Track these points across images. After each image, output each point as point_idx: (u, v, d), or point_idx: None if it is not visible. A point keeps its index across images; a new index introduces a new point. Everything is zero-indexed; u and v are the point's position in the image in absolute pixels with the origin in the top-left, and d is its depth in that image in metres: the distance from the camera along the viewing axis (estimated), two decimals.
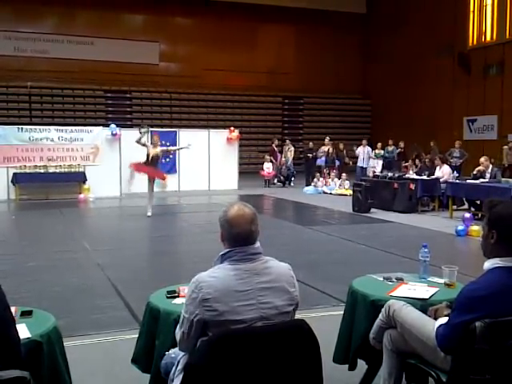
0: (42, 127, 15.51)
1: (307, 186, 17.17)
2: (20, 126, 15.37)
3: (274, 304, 2.27)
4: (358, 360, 3.29)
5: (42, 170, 14.69)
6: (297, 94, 26.81)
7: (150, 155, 11.21)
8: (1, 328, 2.08)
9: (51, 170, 14.79)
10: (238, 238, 2.30)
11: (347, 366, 3.29)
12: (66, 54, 22.98)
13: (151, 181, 11.50)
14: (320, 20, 26.16)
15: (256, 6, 24.83)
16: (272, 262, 2.37)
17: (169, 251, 8.24)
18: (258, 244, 2.34)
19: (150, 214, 11.38)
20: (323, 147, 18.28)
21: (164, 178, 12.04)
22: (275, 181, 18.80)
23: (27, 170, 14.58)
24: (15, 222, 11.60)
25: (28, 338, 2.44)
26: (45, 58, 22.86)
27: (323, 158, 18.00)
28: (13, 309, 2.32)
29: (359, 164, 18.14)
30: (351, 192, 12.84)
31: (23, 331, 2.45)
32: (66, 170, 14.99)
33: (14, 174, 14.41)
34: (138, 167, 11.43)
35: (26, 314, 2.77)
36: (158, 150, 11.41)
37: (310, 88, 26.22)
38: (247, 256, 2.30)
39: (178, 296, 3.08)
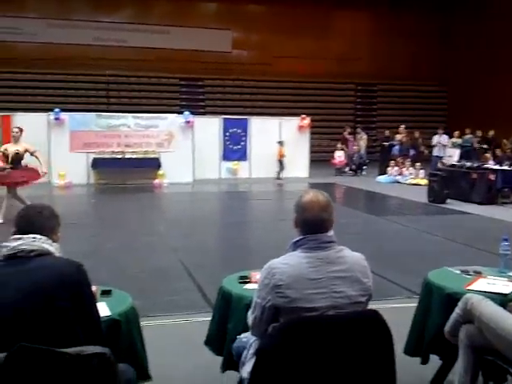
0: (119, 114, 16.06)
1: (381, 175, 16.83)
2: (99, 113, 15.98)
3: (346, 293, 2.25)
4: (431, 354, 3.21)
5: (119, 156, 15.23)
6: (370, 81, 26.22)
7: (10, 155, 8.90)
8: (84, 305, 2.18)
9: (128, 155, 15.30)
10: (310, 224, 2.28)
11: (419, 358, 3.22)
12: (143, 43, 23.58)
13: (12, 188, 9.04)
14: (395, 4, 25.37)
15: None
16: (345, 252, 2.35)
17: (240, 237, 8.34)
18: (331, 232, 2.32)
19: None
20: (397, 135, 17.84)
21: (37, 178, 9.30)
22: (347, 169, 18.56)
23: (105, 156, 15.15)
24: (94, 206, 12.13)
25: (108, 316, 2.55)
26: (122, 46, 23.57)
27: (397, 147, 17.57)
28: (93, 288, 2.43)
29: (435, 153, 17.55)
30: (426, 182, 12.46)
31: (103, 309, 2.56)
32: (142, 156, 15.46)
33: (94, 159, 15.03)
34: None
35: (105, 293, 2.89)
36: (20, 147, 8.99)
37: (385, 74, 25.55)
38: (320, 244, 2.28)
39: (249, 281, 3.12)
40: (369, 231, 8.67)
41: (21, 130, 9.17)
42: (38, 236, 2.21)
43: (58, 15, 22.80)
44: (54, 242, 2.28)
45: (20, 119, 14.91)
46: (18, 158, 8.92)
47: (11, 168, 8.87)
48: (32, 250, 2.17)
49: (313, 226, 2.29)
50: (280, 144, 16.52)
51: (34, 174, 9.19)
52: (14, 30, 22.33)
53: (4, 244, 2.19)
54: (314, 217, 2.29)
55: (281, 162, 16.52)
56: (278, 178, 16.34)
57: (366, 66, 25.59)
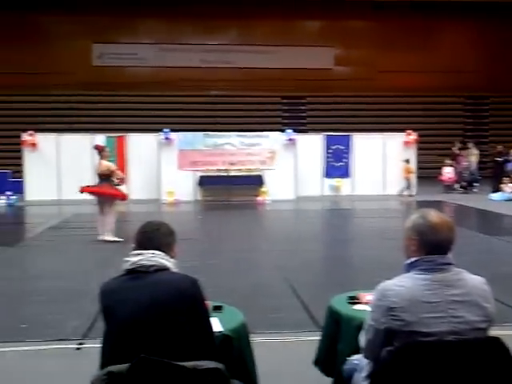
0: (224, 133, 16.53)
1: (494, 192, 15.91)
2: (205, 133, 16.54)
3: (466, 319, 2.13)
4: None
5: (224, 174, 15.65)
6: (482, 94, 25.01)
7: (97, 172, 9.27)
8: (199, 319, 2.24)
9: (232, 173, 15.68)
10: (439, 246, 2.21)
11: None
12: (246, 64, 24.22)
13: (104, 201, 9.21)
14: (506, 13, 24.06)
15: (433, 3, 23.69)
16: (465, 275, 2.24)
17: (344, 256, 8.21)
18: (450, 254, 2.22)
19: (105, 237, 9.05)
20: None
21: (124, 198, 9.57)
22: (456, 186, 17.75)
23: (211, 174, 15.64)
24: (201, 222, 12.53)
25: (220, 332, 2.59)
26: (227, 67, 24.36)
27: None
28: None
29: None
30: None
31: (216, 325, 2.61)
32: (246, 173, 15.77)
33: (201, 176, 15.56)
34: (88, 189, 9.41)
35: (217, 308, 2.94)
36: (105, 165, 9.18)
37: (498, 86, 24.24)
38: (437, 266, 2.19)
39: (359, 302, 3.05)
40: (483, 252, 8.17)
41: (103, 148, 9.61)
42: (157, 252, 2.30)
43: (168, 40, 24.12)
44: (171, 257, 2.37)
45: (133, 139, 15.84)
46: (106, 176, 9.13)
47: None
48: (151, 265, 2.26)
49: (440, 247, 2.21)
50: (406, 162, 16.38)
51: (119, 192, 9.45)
52: (128, 56, 23.93)
53: (126, 259, 2.30)
54: (445, 238, 2.22)
55: (408, 180, 16.35)
56: (404, 195, 16.12)
57: (476, 78, 24.45)
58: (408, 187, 16.35)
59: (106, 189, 9.08)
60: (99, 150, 9.43)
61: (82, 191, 9.38)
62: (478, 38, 25.14)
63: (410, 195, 16.10)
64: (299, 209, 14.31)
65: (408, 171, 16.35)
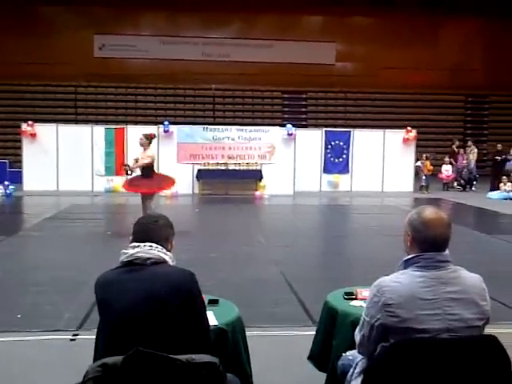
0: (224, 127, 16.50)
1: (492, 190, 15.93)
2: (205, 126, 16.51)
3: (461, 316, 2.13)
4: None
5: (222, 167, 15.64)
6: (482, 92, 24.99)
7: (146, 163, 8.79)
8: (195, 313, 2.23)
9: (231, 167, 15.67)
10: (432, 242, 2.20)
11: None
12: (247, 57, 24.16)
13: (147, 197, 8.85)
14: (509, 12, 23.99)
15: (436, 0, 23.61)
16: (462, 272, 2.24)
17: (341, 252, 8.22)
18: (447, 251, 2.22)
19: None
20: None
21: (169, 186, 9.49)
22: (455, 184, 17.77)
23: (210, 167, 15.62)
24: (198, 215, 12.52)
25: (215, 326, 2.59)
26: (228, 61, 24.30)
27: None
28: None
29: None
30: None
31: (211, 319, 2.61)
32: (245, 167, 15.76)
33: (199, 170, 15.55)
34: (132, 186, 9.12)
35: (212, 302, 2.94)
36: (143, 155, 8.81)
37: (498, 85, 24.22)
38: (434, 263, 2.19)
39: (355, 298, 3.05)
40: (480, 251, 8.18)
41: (146, 137, 8.80)
42: (154, 244, 2.29)
43: (169, 32, 24.03)
44: (168, 250, 2.36)
45: (132, 131, 15.78)
46: (146, 166, 8.80)
47: (142, 176, 8.89)
48: (148, 258, 2.26)
49: (435, 244, 2.20)
50: (426, 159, 16.95)
51: (163, 183, 9.32)
52: (128, 48, 23.83)
53: (123, 251, 2.30)
54: (440, 234, 2.21)
55: (426, 177, 16.70)
56: (424, 193, 16.43)
57: (476, 77, 24.44)
58: (424, 184, 16.70)
59: (150, 186, 8.77)
60: (153, 137, 8.96)
61: (128, 189, 9.14)
62: (478, 37, 25.12)
63: (428, 192, 16.43)
64: (297, 204, 14.31)
65: (427, 168, 16.75)
